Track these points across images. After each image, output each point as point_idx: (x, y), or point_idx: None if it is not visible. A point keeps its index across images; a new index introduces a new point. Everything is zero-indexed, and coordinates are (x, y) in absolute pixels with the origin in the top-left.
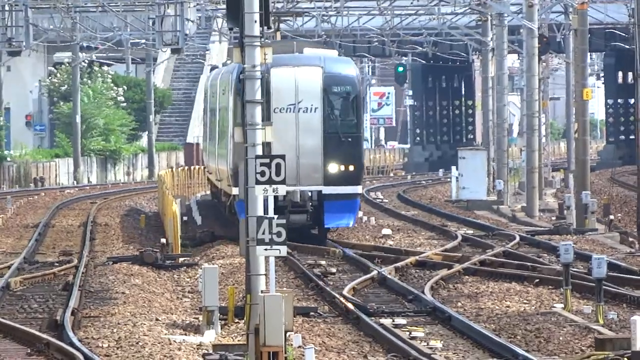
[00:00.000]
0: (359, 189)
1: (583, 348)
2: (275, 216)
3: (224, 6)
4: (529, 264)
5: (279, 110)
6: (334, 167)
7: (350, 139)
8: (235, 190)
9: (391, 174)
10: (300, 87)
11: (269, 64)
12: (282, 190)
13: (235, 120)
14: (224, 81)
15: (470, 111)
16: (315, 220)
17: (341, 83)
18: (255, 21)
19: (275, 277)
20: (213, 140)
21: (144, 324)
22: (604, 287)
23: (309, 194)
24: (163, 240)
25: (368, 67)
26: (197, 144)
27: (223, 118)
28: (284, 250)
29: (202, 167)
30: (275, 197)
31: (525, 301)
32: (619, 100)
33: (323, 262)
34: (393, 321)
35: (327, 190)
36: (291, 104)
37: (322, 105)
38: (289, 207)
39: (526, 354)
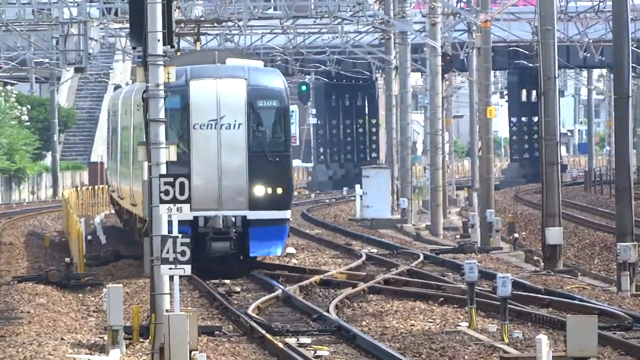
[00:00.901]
0: (287, 214)
1: None
2: (180, 235)
3: (128, 25)
4: (433, 282)
5: (199, 126)
6: (260, 190)
7: (278, 159)
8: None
9: (295, 193)
10: (222, 101)
11: (188, 76)
12: (185, 209)
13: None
14: (126, 101)
15: (374, 129)
16: (239, 249)
17: (267, 96)
18: (159, 40)
19: (180, 296)
20: (115, 160)
21: (49, 344)
22: (508, 305)
23: (233, 219)
24: (67, 260)
25: None
26: (102, 163)
27: (126, 137)
28: (188, 269)
29: (107, 186)
30: (196, 223)
31: (430, 320)
32: (523, 118)
33: (227, 281)
34: (298, 340)
35: (253, 215)
36: (212, 120)
37: (246, 121)
38: (211, 234)
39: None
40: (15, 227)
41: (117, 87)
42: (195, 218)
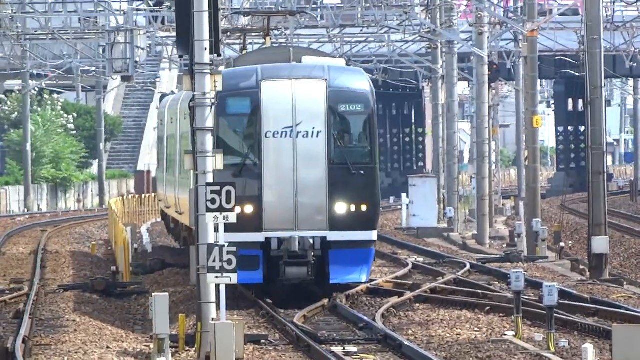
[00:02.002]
0: (374, 235)
1: None
2: (226, 244)
3: (174, 34)
4: (479, 291)
5: (272, 134)
6: (342, 207)
7: (362, 172)
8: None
9: None
10: (299, 106)
11: (259, 76)
12: (232, 218)
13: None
14: (172, 109)
15: (420, 138)
16: (318, 275)
17: (351, 100)
18: (205, 49)
19: (226, 305)
20: (162, 169)
21: (95, 352)
22: (555, 314)
23: (311, 241)
24: (114, 268)
25: None
26: (148, 172)
27: (172, 146)
28: (234, 278)
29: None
30: (268, 246)
31: (476, 329)
32: (569, 128)
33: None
34: (344, 349)
35: (334, 236)
36: (287, 127)
37: (326, 128)
38: (285, 258)
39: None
40: (61, 236)
41: (163, 95)
42: (268, 240)
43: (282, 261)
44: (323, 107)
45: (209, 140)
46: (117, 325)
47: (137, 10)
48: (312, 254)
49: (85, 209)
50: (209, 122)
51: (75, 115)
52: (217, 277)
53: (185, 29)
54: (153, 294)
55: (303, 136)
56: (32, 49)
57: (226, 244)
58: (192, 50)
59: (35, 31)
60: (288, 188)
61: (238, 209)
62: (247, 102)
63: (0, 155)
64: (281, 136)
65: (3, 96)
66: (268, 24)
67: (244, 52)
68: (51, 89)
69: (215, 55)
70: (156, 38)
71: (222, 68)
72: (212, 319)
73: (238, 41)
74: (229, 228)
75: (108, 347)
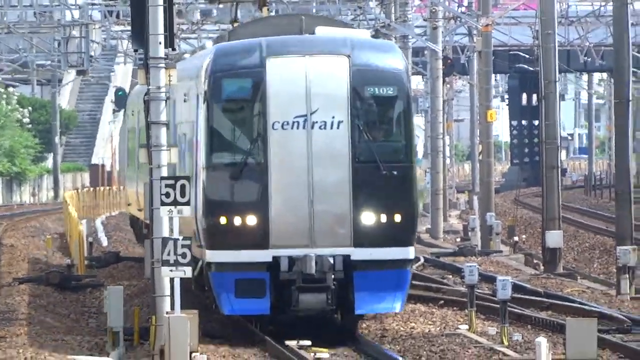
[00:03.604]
0: (410, 252)
1: None
2: (180, 237)
3: (130, 28)
4: (433, 285)
5: (281, 125)
6: (370, 218)
7: (395, 172)
8: (210, 255)
9: None
10: (314, 89)
11: (264, 52)
12: (186, 211)
13: (209, 143)
14: (132, 103)
15: None
16: (340, 303)
17: (381, 81)
18: (160, 43)
19: (180, 298)
20: (124, 163)
21: (50, 345)
22: (508, 308)
23: (331, 260)
24: (68, 261)
25: None
26: (103, 165)
27: (132, 140)
28: (188, 271)
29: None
30: (276, 267)
31: (430, 322)
32: (523, 122)
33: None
34: (298, 342)
35: (360, 254)
36: (300, 116)
37: (349, 117)
38: (299, 282)
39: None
40: (16, 229)
41: (118, 89)
42: (276, 259)
43: (295, 286)
44: (345, 90)
45: (163, 134)
46: (72, 318)
47: (92, 4)
48: (333, 277)
49: (40, 202)
50: (163, 116)
51: (30, 109)
52: (171, 270)
53: (140, 23)
54: (107, 287)
55: (320, 127)
56: None
57: (180, 238)
58: (147, 44)
59: None
60: (301, 193)
61: (238, 221)
62: (248, 84)
63: None
64: (292, 127)
65: None
66: (237, 8)
67: (265, 8)
68: (6, 82)
69: (170, 49)
70: (111, 32)
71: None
72: (167, 313)
73: (194, 35)
74: (226, 245)
75: (63, 340)
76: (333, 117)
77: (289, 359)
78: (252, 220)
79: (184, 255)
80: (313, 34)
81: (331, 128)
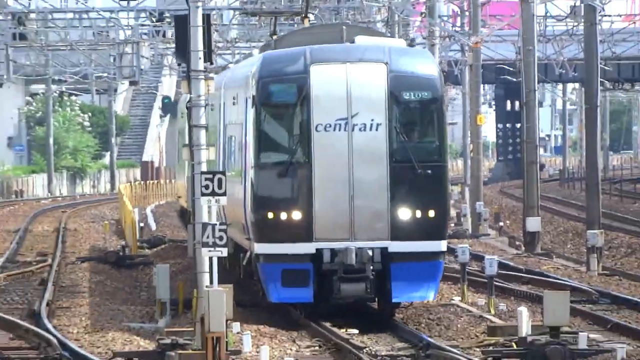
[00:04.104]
0: (443, 245)
1: (477, 334)
2: (217, 223)
3: (174, 45)
4: None
5: (324, 127)
6: (406, 213)
7: (430, 171)
8: (259, 247)
9: None
10: (355, 94)
11: (308, 59)
12: (223, 201)
13: (257, 144)
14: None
15: None
16: (378, 292)
17: (417, 87)
18: (200, 58)
19: (218, 274)
20: (177, 161)
21: (108, 314)
22: (494, 282)
23: (370, 252)
24: (123, 243)
25: None
26: (152, 162)
27: (181, 140)
28: (224, 251)
29: (158, 183)
30: (319, 258)
31: None
32: (508, 125)
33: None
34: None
35: (397, 247)
36: (341, 119)
37: (387, 119)
38: (340, 273)
39: (429, 339)
40: (78, 216)
41: (164, 97)
42: (319, 251)
43: (336, 276)
44: (384, 95)
45: (202, 135)
46: (126, 291)
47: (142, 25)
48: (371, 267)
49: (99, 193)
50: (203, 120)
51: (90, 114)
52: (210, 250)
53: (183, 41)
54: (156, 265)
55: (360, 129)
56: (53, 58)
57: (218, 223)
58: (188, 59)
59: (56, 43)
60: (343, 190)
61: (284, 215)
62: (293, 89)
63: (27, 148)
64: (334, 129)
65: (29, 98)
66: (307, 4)
67: (305, 19)
68: (69, 92)
69: (208, 63)
70: (158, 49)
71: (213, 75)
72: (206, 287)
73: (228, 51)
74: (273, 238)
75: (119, 310)
76: (372, 120)
77: (312, 328)
78: (297, 215)
79: (221, 238)
80: (353, 42)
81: (370, 130)
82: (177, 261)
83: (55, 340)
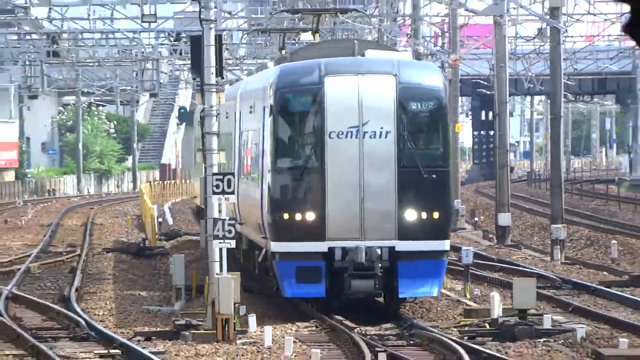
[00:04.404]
0: (446, 245)
1: (455, 316)
2: (227, 218)
3: (190, 62)
4: None
5: (336, 134)
6: (412, 215)
7: (434, 175)
8: (275, 246)
9: None
10: (366, 103)
11: (323, 71)
12: (232, 198)
13: (274, 149)
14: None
15: None
16: (385, 288)
17: (423, 97)
18: (212, 73)
19: (228, 264)
20: (193, 164)
21: (129, 298)
22: (470, 271)
23: (378, 251)
24: (143, 236)
25: None
26: (169, 165)
27: (196, 146)
28: (233, 243)
29: (175, 183)
30: (331, 256)
31: None
32: (482, 132)
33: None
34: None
35: (404, 246)
36: (353, 127)
37: (396, 127)
38: (350, 270)
39: (413, 321)
40: (104, 212)
41: (180, 108)
42: (331, 250)
43: (347, 273)
44: (392, 104)
45: (214, 141)
46: (145, 278)
47: (162, 44)
48: (380, 265)
49: (122, 192)
50: (215, 128)
51: (115, 122)
52: (220, 242)
53: (197, 58)
54: (173, 255)
55: (370, 136)
56: (83, 73)
57: (227, 218)
58: (202, 74)
59: (85, 59)
60: (354, 193)
61: (299, 216)
62: (309, 98)
63: (59, 152)
64: (346, 136)
65: (61, 108)
66: (318, 21)
67: (316, 35)
68: (97, 103)
69: (220, 77)
70: (175, 65)
71: (226, 86)
72: (217, 274)
73: (237, 67)
74: (288, 237)
75: (139, 294)
76: (381, 128)
77: (306, 309)
78: (310, 216)
79: (229, 232)
80: (364, 56)
81: (380, 137)
82: (191, 252)
83: (83, 322)
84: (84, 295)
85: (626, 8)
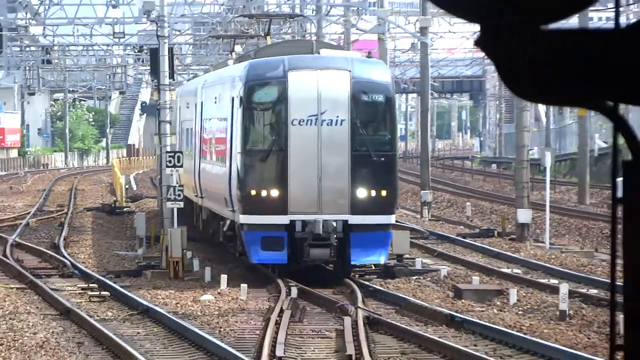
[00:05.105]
0: (392, 219)
1: None
2: (177, 184)
3: (149, 67)
4: None
5: (298, 122)
6: (363, 193)
7: (383, 158)
8: (243, 218)
9: None
10: (323, 95)
11: (286, 66)
12: (180, 170)
13: (244, 135)
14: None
15: None
16: (339, 256)
17: (373, 90)
18: (166, 76)
19: (178, 220)
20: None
21: (104, 245)
22: None
23: (334, 224)
24: (115, 199)
25: None
26: (133, 145)
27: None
28: (181, 204)
29: (137, 158)
30: (293, 228)
31: None
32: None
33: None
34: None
35: (355, 220)
36: (312, 115)
37: (349, 116)
38: (309, 240)
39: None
40: (85, 180)
41: (142, 102)
42: (292, 222)
43: (307, 243)
44: (347, 96)
45: (167, 127)
46: (116, 231)
47: (128, 54)
48: (335, 236)
49: (99, 166)
50: (167, 117)
51: (93, 113)
52: (172, 203)
53: (155, 65)
54: (136, 213)
55: (327, 124)
56: (69, 76)
57: (177, 185)
58: (158, 76)
59: (71, 66)
60: (312, 173)
61: (264, 193)
62: (274, 90)
63: (51, 136)
64: (307, 124)
65: (53, 102)
66: (269, 27)
67: (268, 37)
68: (80, 98)
69: (171, 79)
70: (139, 70)
71: (184, 82)
72: (169, 228)
73: (185, 72)
74: (255, 211)
75: (111, 242)
76: (337, 117)
77: (224, 248)
78: (275, 193)
79: (179, 196)
80: (319, 54)
81: (336, 125)
82: (150, 210)
83: (68, 263)
84: (70, 243)
85: (477, 27)
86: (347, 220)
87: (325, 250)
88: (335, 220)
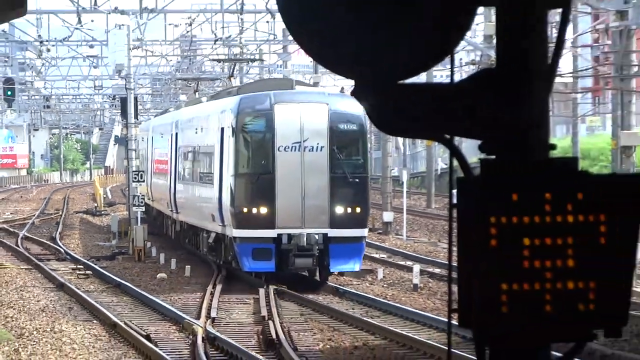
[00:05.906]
0: (365, 232)
1: None
2: (140, 195)
3: (120, 110)
4: None
5: (284, 148)
6: (340, 209)
7: (357, 180)
8: (237, 232)
9: None
10: (305, 125)
11: (273, 100)
12: (143, 185)
13: (236, 159)
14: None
15: None
16: (320, 264)
17: (348, 121)
18: (132, 116)
19: (140, 220)
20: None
21: (89, 238)
22: None
23: (316, 237)
24: (96, 204)
25: None
26: (109, 166)
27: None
28: (142, 209)
29: (112, 176)
30: (279, 241)
31: None
32: None
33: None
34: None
35: (334, 232)
36: (296, 142)
37: (328, 143)
38: (295, 251)
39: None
40: (75, 191)
41: (116, 136)
42: (279, 235)
43: (292, 253)
44: (326, 126)
45: (134, 154)
46: (96, 227)
47: (105, 101)
48: (317, 247)
49: (84, 181)
50: (133, 146)
51: (80, 143)
52: (136, 209)
53: (124, 109)
54: (111, 214)
55: (309, 150)
56: (63, 117)
57: (140, 195)
58: (127, 116)
59: (64, 110)
60: (297, 193)
61: (255, 210)
62: (262, 121)
63: (50, 160)
64: (291, 150)
65: (51, 136)
66: (233, 70)
67: (196, 93)
68: (70, 133)
69: (136, 119)
70: (113, 112)
71: (142, 124)
72: (135, 225)
73: (146, 114)
74: (246, 225)
75: (93, 236)
76: (317, 144)
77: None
78: (264, 210)
79: (141, 202)
80: (294, 89)
81: (316, 151)
82: (122, 213)
83: (62, 250)
84: (64, 236)
85: (352, 82)
86: (327, 233)
87: (308, 260)
88: (317, 234)
